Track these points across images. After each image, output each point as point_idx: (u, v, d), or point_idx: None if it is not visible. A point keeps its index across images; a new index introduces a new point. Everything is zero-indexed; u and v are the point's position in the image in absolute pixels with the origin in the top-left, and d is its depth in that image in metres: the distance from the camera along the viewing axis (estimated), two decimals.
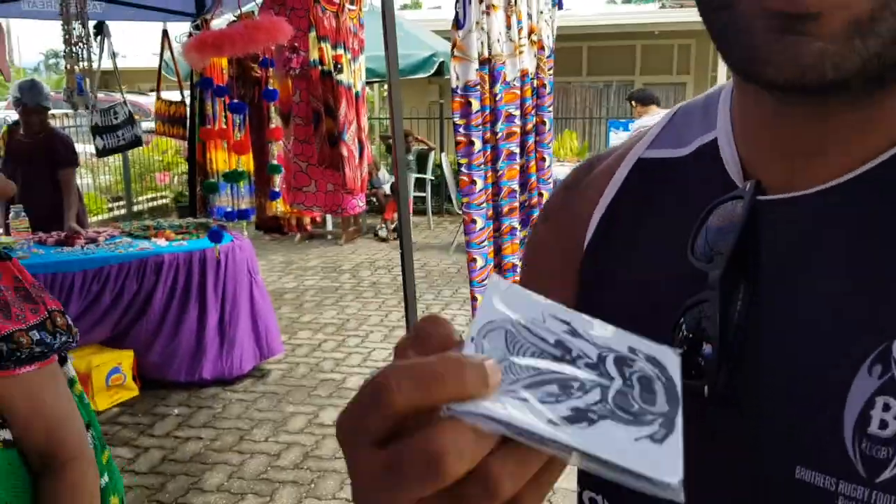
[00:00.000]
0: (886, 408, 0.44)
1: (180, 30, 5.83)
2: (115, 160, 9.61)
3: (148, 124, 11.08)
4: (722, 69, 9.89)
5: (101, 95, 6.61)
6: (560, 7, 2.74)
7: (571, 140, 9.25)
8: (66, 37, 3.93)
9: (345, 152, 3.17)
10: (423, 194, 9.72)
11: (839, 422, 0.46)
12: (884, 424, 0.44)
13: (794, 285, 0.50)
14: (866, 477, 0.44)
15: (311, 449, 3.73)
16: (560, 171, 7.47)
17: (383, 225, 8.92)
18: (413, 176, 9.49)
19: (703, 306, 0.50)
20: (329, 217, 9.17)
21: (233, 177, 2.78)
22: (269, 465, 3.59)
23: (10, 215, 4.36)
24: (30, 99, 4.55)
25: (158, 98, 4.92)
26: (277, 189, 3.20)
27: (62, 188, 4.72)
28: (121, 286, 4.23)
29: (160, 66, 5.13)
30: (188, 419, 4.09)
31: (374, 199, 9.45)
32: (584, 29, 11.57)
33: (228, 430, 3.94)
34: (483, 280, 2.34)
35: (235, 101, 3.07)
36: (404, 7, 30.92)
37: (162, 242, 4.50)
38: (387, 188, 9.14)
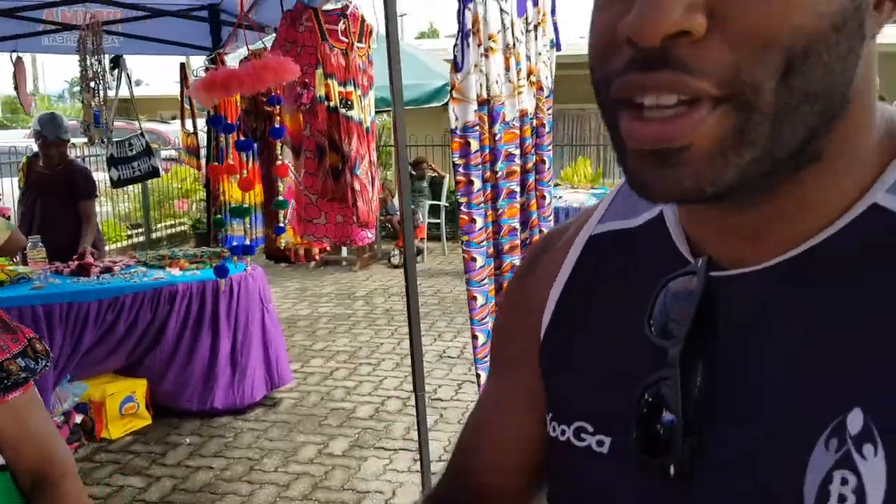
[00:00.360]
0: (844, 482, 0.45)
1: (200, 61, 5.93)
2: (134, 189, 9.76)
3: (167, 152, 11.27)
4: None
5: (121, 124, 6.74)
6: (559, 49, 2.79)
7: (585, 167, 9.28)
8: (83, 72, 4.03)
9: (357, 186, 3.22)
10: (437, 221, 9.77)
11: (800, 497, 0.46)
12: (842, 498, 0.45)
13: (749, 360, 0.51)
14: None
15: (321, 480, 3.74)
16: (573, 197, 7.50)
17: (397, 251, 8.97)
18: (427, 203, 9.55)
19: (663, 383, 0.51)
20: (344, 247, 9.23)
21: (239, 212, 2.84)
22: (279, 495, 3.60)
23: (28, 245, 4.44)
24: (50, 132, 4.65)
25: (183, 129, 5.01)
26: (283, 224, 3.25)
27: (82, 219, 4.80)
28: (135, 315, 4.28)
29: (182, 99, 5.23)
30: (199, 448, 4.12)
31: (389, 226, 9.51)
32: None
33: (239, 460, 3.97)
34: (483, 318, 2.36)
35: (242, 138, 3.13)
36: (421, 36, 31.23)
37: (176, 272, 4.56)
38: (398, 215, 9.20)
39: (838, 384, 0.47)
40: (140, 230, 10.11)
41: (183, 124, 5.18)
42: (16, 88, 5.09)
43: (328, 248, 4.03)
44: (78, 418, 4.16)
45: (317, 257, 3.67)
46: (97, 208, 6.29)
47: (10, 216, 4.75)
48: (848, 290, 0.48)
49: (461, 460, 0.76)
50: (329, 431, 4.31)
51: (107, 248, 8.10)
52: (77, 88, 4.37)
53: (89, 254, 4.58)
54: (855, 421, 0.45)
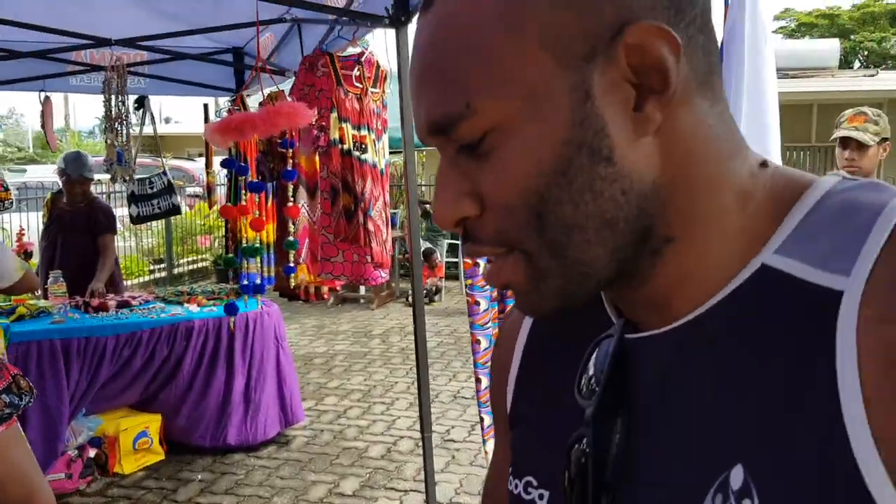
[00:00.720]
0: None
1: (224, 102, 6.06)
2: (158, 224, 9.92)
3: (192, 189, 11.45)
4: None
5: (147, 160, 6.88)
6: None
7: None
8: (107, 111, 4.14)
9: (371, 227, 3.27)
10: (455, 259, 9.80)
11: None
12: None
13: (656, 420, 0.54)
14: None
15: None
16: None
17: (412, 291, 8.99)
18: (446, 242, 9.59)
19: (583, 442, 0.54)
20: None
21: (250, 252, 2.90)
22: None
23: (49, 280, 4.52)
24: (73, 171, 4.76)
25: (208, 172, 5.11)
26: (292, 264, 3.30)
27: (101, 252, 4.88)
28: (152, 351, 4.33)
29: (205, 139, 5.34)
30: (211, 485, 4.12)
31: (407, 264, 9.56)
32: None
33: (249, 498, 3.97)
34: (486, 362, 2.37)
35: (255, 180, 3.20)
36: None
37: (194, 308, 4.62)
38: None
39: (724, 441, 0.49)
40: (162, 265, 10.24)
41: (208, 168, 5.29)
42: (43, 126, 5.24)
43: (338, 288, 4.06)
44: (92, 452, 4.19)
45: (326, 296, 3.71)
46: (120, 243, 6.38)
47: (32, 251, 4.84)
48: (733, 349, 0.51)
49: None
50: (340, 471, 4.31)
51: (129, 283, 8.21)
52: (105, 126, 4.47)
53: (100, 292, 4.64)
54: (737, 477, 0.48)
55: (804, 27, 28.59)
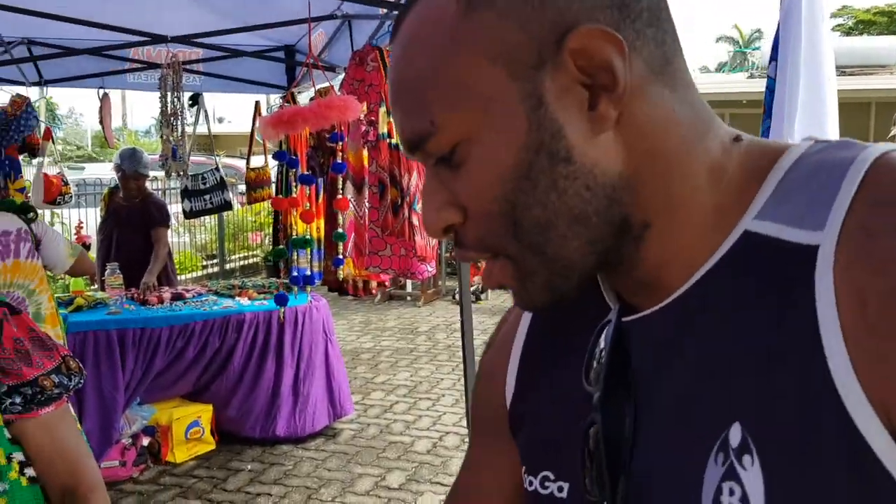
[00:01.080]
0: (731, 492, 0.49)
1: (276, 99, 6.15)
2: (211, 220, 10.11)
3: (244, 186, 11.65)
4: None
5: (201, 158, 7.04)
6: None
7: None
8: (163, 108, 4.24)
9: (416, 221, 3.29)
10: None
11: None
12: None
13: (658, 392, 0.56)
14: None
15: None
16: None
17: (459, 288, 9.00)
18: None
19: (595, 427, 0.56)
20: (409, 281, 9.33)
21: (299, 244, 2.94)
22: None
23: (106, 272, 4.64)
24: (129, 167, 4.88)
25: (248, 167, 5.20)
26: (341, 256, 3.33)
27: (154, 244, 4.99)
28: (204, 342, 4.41)
29: (251, 135, 5.43)
30: (260, 475, 4.19)
31: (454, 262, 9.57)
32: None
33: (297, 489, 4.02)
34: None
35: (305, 172, 3.24)
36: None
37: (245, 301, 4.70)
38: None
39: (720, 403, 0.52)
40: (215, 261, 10.43)
41: (248, 163, 5.38)
42: (101, 122, 5.38)
43: (387, 283, 4.09)
44: (145, 441, 4.29)
45: (374, 290, 3.74)
46: (174, 239, 6.51)
47: (90, 244, 4.98)
48: (723, 314, 0.53)
49: None
50: (386, 464, 4.34)
51: (183, 277, 8.39)
52: (161, 133, 4.59)
53: (152, 286, 4.74)
54: (735, 435, 0.50)
55: (862, 24, 27.84)
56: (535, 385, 0.68)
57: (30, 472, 1.16)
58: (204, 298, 4.75)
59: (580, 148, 0.52)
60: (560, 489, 0.62)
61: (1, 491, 1.11)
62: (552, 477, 0.63)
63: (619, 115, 0.52)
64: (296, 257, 3.61)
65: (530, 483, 0.65)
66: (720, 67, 30.18)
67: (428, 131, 0.54)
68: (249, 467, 4.30)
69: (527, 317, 0.71)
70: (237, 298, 4.77)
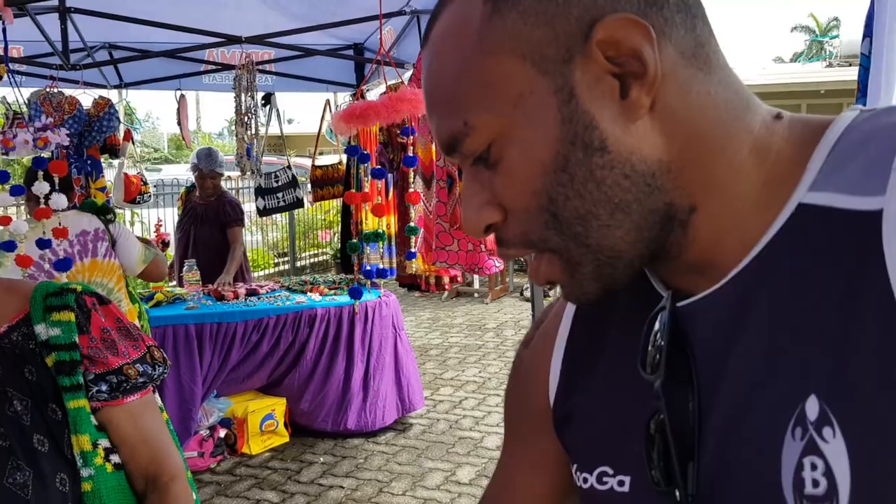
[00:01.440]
0: (814, 467, 0.48)
1: (344, 98, 6.24)
2: (282, 219, 10.32)
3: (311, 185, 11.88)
4: None
5: (272, 159, 7.20)
6: None
7: None
8: (238, 107, 4.34)
9: None
10: None
11: (780, 490, 0.50)
12: (816, 483, 0.48)
13: (723, 374, 0.55)
14: None
15: None
16: None
17: (529, 284, 8.96)
18: None
19: (658, 415, 0.56)
20: (476, 276, 9.33)
21: (371, 237, 2.97)
22: None
23: (184, 268, 4.78)
24: (205, 165, 5.02)
25: (314, 165, 5.27)
26: (414, 249, 3.35)
27: (229, 242, 5.13)
28: (277, 336, 4.51)
29: (319, 133, 5.52)
30: (332, 468, 4.25)
31: (522, 259, 9.52)
32: (751, 88, 11.27)
33: (368, 482, 4.06)
34: None
35: (377, 167, 3.27)
36: None
37: (316, 297, 4.77)
38: None
39: (793, 377, 0.50)
40: (286, 258, 10.64)
41: (314, 161, 5.46)
42: (179, 123, 5.55)
43: (458, 278, 4.09)
44: (222, 432, 4.41)
45: (447, 286, 3.75)
46: (247, 237, 6.66)
47: (169, 241, 5.14)
48: (787, 288, 0.52)
49: None
50: (456, 459, 4.35)
51: (256, 274, 8.59)
52: (234, 127, 4.70)
53: (228, 284, 4.86)
54: (812, 407, 0.49)
55: None
56: (584, 381, 0.67)
57: (115, 458, 1.19)
58: (277, 294, 4.84)
59: (615, 137, 0.52)
60: (621, 483, 0.61)
61: (87, 476, 1.14)
62: (610, 472, 0.62)
63: (654, 102, 0.53)
64: (367, 252, 3.64)
65: (585, 480, 0.64)
66: (795, 57, 29.27)
67: (462, 132, 0.55)
68: (322, 460, 4.37)
69: (568, 314, 0.71)
70: (309, 294, 4.85)
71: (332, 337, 4.59)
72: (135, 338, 1.24)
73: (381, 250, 3.79)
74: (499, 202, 0.56)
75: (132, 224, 8.44)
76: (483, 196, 0.57)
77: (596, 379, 0.66)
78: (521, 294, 9.06)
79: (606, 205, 0.53)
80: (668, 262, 0.58)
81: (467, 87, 0.55)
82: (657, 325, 0.58)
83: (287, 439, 4.60)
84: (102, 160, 4.77)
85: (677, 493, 0.54)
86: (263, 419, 4.49)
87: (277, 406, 4.57)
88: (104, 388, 1.17)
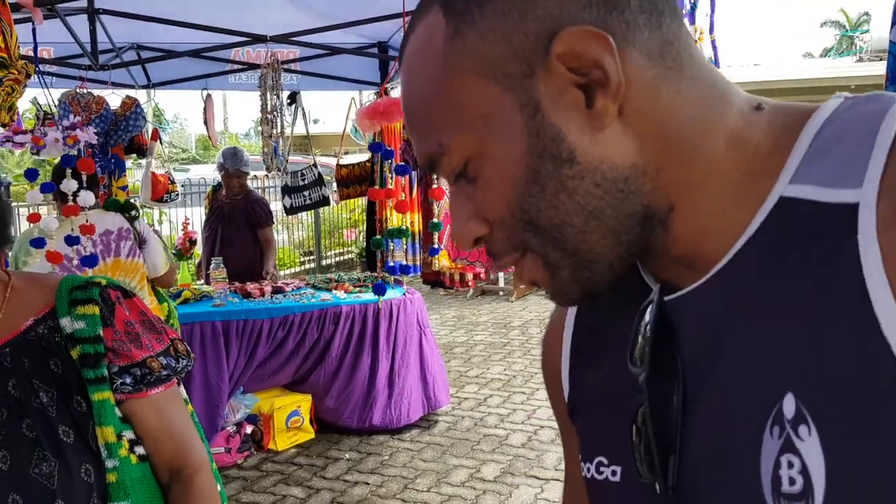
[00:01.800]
0: (790, 465, 0.48)
1: (369, 96, 6.27)
2: (307, 218, 10.38)
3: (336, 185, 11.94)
4: None
5: (298, 158, 7.25)
6: (717, 66, 2.70)
7: None
8: (263, 105, 4.38)
9: None
10: None
11: (759, 487, 0.50)
12: (792, 481, 0.48)
13: (706, 369, 0.55)
14: None
15: (472, 503, 3.77)
16: None
17: None
18: None
19: (643, 408, 0.57)
20: (501, 273, 9.31)
21: (395, 234, 2.97)
22: None
23: (211, 266, 4.82)
24: (231, 164, 5.06)
25: (339, 164, 5.29)
26: (437, 246, 3.35)
27: (262, 243, 5.18)
28: (303, 334, 4.53)
29: (343, 132, 5.54)
30: (357, 464, 4.27)
31: None
32: (779, 83, 11.19)
33: (394, 478, 4.07)
34: None
35: (400, 163, 3.27)
36: None
37: (341, 294, 4.79)
38: None
39: (772, 374, 0.50)
40: (312, 257, 10.70)
41: (339, 159, 5.48)
42: (205, 123, 5.61)
43: (482, 275, 4.09)
44: (248, 429, 4.44)
45: (471, 283, 3.75)
46: (274, 236, 6.71)
47: (196, 239, 5.20)
48: (768, 284, 0.52)
49: None
50: (481, 456, 4.34)
51: (282, 273, 8.65)
52: (260, 127, 4.75)
53: (273, 275, 4.92)
54: (789, 406, 0.49)
55: None
56: (586, 374, 0.69)
57: (139, 450, 1.20)
58: (302, 291, 4.87)
59: (583, 147, 0.53)
60: (613, 473, 0.63)
61: (111, 467, 1.16)
62: (606, 462, 0.64)
63: (622, 107, 0.53)
64: (392, 249, 3.65)
65: (587, 470, 0.66)
66: (825, 53, 28.86)
67: (438, 153, 0.57)
68: (347, 456, 4.39)
69: (572, 310, 0.72)
70: (334, 292, 4.87)
71: (357, 334, 4.61)
72: (158, 331, 1.26)
73: (406, 247, 3.79)
74: (482, 216, 0.58)
75: (160, 223, 8.54)
76: (469, 209, 0.58)
77: (596, 372, 0.67)
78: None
79: (580, 213, 0.54)
80: (654, 257, 0.59)
81: (437, 109, 0.56)
82: (646, 318, 0.58)
83: (313, 436, 4.62)
84: (131, 160, 4.84)
85: (657, 486, 0.56)
86: (289, 416, 4.52)
87: (303, 403, 4.60)
88: (128, 380, 1.19)
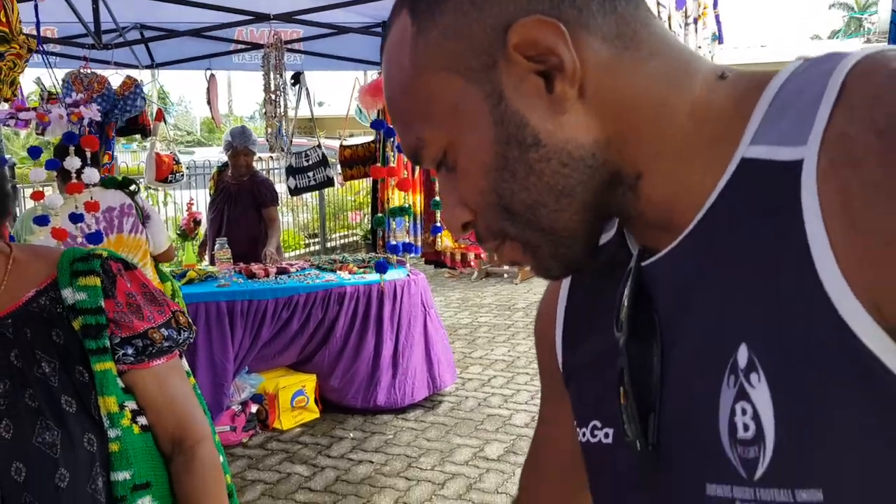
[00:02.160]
0: (744, 412, 0.51)
1: (373, 76, 6.24)
2: (312, 200, 10.37)
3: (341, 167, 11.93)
4: None
5: (303, 140, 7.24)
6: (721, 42, 2.68)
7: None
8: (266, 85, 4.36)
9: None
10: None
11: (717, 436, 0.53)
12: (746, 427, 0.51)
13: (681, 330, 0.57)
14: (747, 478, 0.51)
15: (475, 481, 3.79)
16: None
17: None
18: None
19: (624, 370, 0.59)
20: None
21: (397, 212, 2.97)
22: (434, 493, 3.69)
23: (216, 246, 4.83)
24: (239, 142, 5.05)
25: (342, 145, 5.28)
26: (439, 224, 3.34)
27: (267, 223, 5.17)
28: (307, 314, 4.55)
29: (348, 112, 5.53)
30: (362, 443, 4.29)
31: None
32: (786, 65, 11.09)
33: (398, 457, 4.10)
34: None
35: None
36: None
37: (346, 275, 4.80)
38: None
39: (727, 329, 0.53)
40: (316, 239, 10.70)
41: (342, 140, 5.47)
42: (209, 103, 5.59)
43: (484, 255, 4.08)
44: (254, 408, 4.47)
45: (473, 263, 3.75)
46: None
47: (201, 219, 5.19)
48: (730, 244, 0.54)
49: (523, 475, 0.90)
50: (485, 436, 4.36)
51: (286, 255, 8.66)
52: (264, 108, 4.73)
53: (272, 256, 4.91)
54: (742, 356, 0.52)
55: None
56: (579, 341, 0.71)
57: (142, 420, 1.21)
58: (307, 272, 4.88)
59: (547, 131, 0.56)
60: (606, 435, 0.65)
61: (114, 437, 1.16)
62: (599, 425, 0.66)
63: (582, 90, 0.55)
64: (393, 228, 3.65)
65: (583, 434, 0.68)
66: (833, 35, 28.63)
67: (418, 145, 0.60)
68: (352, 435, 4.41)
69: (566, 280, 0.74)
70: (338, 272, 4.87)
71: (361, 315, 4.62)
72: (160, 303, 1.26)
73: (407, 226, 3.79)
74: (464, 202, 0.61)
75: (164, 204, 8.55)
76: (454, 196, 0.62)
77: (588, 339, 0.70)
78: None
79: (551, 193, 0.57)
80: (631, 224, 0.61)
81: (411, 105, 0.59)
82: (629, 282, 0.61)
83: (317, 415, 4.65)
84: (136, 143, 4.83)
85: (638, 443, 0.58)
86: (294, 395, 4.54)
87: (308, 382, 4.62)
88: (130, 351, 1.19)
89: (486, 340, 6.42)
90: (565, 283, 0.75)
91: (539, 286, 8.56)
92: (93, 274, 1.19)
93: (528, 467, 0.89)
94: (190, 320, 1.32)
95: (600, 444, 0.65)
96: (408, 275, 4.78)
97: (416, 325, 4.74)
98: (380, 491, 3.72)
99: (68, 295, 1.18)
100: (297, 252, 9.93)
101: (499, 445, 4.21)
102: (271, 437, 4.43)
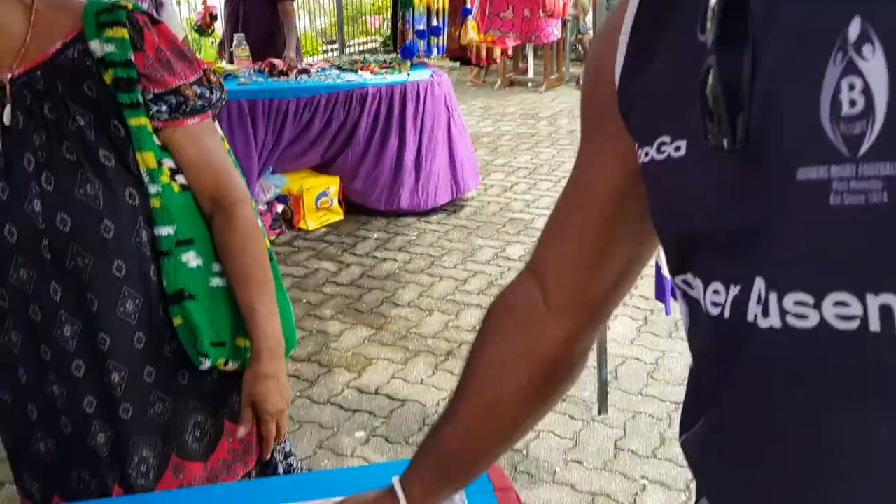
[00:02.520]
0: (852, 87, 0.48)
1: None
2: (330, 3, 9.94)
3: None
4: None
5: None
6: None
7: None
8: None
9: None
10: None
11: (817, 116, 0.50)
12: (853, 103, 0.48)
13: (774, 17, 0.53)
14: (850, 154, 0.48)
15: (496, 278, 3.89)
16: None
17: None
18: None
19: (713, 71, 0.54)
20: (531, 64, 9.02)
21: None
22: (456, 288, 3.80)
23: (234, 43, 4.69)
24: None
25: None
26: (469, 6, 3.20)
27: (283, 19, 4.98)
28: (329, 115, 4.48)
29: None
30: (385, 243, 4.38)
31: (580, 47, 9.14)
32: None
33: (421, 256, 4.19)
34: None
35: None
36: None
37: (367, 76, 4.68)
38: (591, 34, 8.77)
39: (837, 4, 0.49)
40: (335, 45, 10.38)
41: None
42: None
43: (509, 52, 3.94)
44: (279, 208, 4.53)
45: (497, 59, 3.62)
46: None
47: (216, 14, 5.01)
48: None
49: (538, 248, 0.84)
50: (506, 238, 4.43)
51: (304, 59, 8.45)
52: None
53: (292, 59, 4.77)
54: (854, 29, 0.48)
55: None
56: (648, 57, 0.66)
57: (181, 179, 1.20)
58: (327, 73, 4.76)
59: None
60: (677, 148, 0.61)
61: (154, 192, 1.16)
62: (668, 140, 0.62)
63: None
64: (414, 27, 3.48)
65: (646, 154, 0.64)
66: None
67: None
68: (376, 235, 4.49)
69: (632, 5, 0.68)
70: (360, 73, 4.75)
71: (384, 116, 4.55)
72: (190, 60, 1.22)
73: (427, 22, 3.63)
74: None
75: (178, 3, 8.24)
76: None
77: (659, 53, 0.65)
78: (578, 84, 8.78)
79: None
80: None
81: None
82: None
83: (342, 217, 4.71)
84: None
85: (725, 142, 0.54)
86: (318, 196, 4.59)
87: (331, 184, 4.64)
88: (164, 108, 1.17)
89: (508, 149, 6.37)
90: (631, 8, 0.69)
91: (564, 95, 8.37)
92: (119, 24, 1.14)
93: (549, 233, 0.82)
94: (221, 80, 1.28)
95: (668, 158, 0.62)
96: (431, 75, 4.65)
97: (439, 128, 4.68)
98: (404, 286, 3.84)
99: (96, 47, 1.13)
100: (316, 58, 9.68)
101: (520, 247, 4.28)
102: (297, 235, 4.53)
